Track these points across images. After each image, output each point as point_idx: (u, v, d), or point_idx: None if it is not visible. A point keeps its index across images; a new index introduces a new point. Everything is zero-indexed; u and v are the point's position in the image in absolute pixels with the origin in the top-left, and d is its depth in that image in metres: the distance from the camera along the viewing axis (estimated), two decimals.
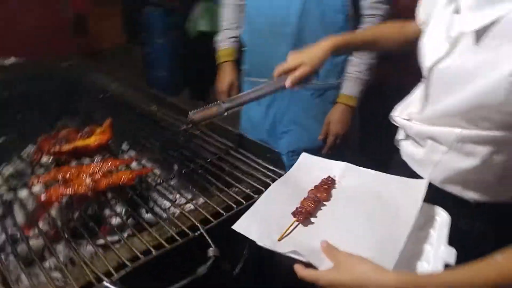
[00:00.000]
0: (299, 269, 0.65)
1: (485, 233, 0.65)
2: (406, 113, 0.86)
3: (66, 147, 0.98)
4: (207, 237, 0.75)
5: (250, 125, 1.49)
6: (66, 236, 0.79)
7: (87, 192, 0.85)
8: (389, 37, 0.99)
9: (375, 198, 0.79)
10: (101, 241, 0.80)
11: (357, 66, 1.31)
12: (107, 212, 0.88)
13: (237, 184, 0.90)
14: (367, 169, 0.86)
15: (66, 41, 3.37)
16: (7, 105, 1.24)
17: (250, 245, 0.76)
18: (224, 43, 1.53)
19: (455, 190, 0.78)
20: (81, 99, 1.35)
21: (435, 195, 0.77)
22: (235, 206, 0.83)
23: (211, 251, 0.72)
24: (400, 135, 0.91)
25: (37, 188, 0.91)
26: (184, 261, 0.73)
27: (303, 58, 0.91)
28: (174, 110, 1.22)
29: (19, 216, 0.86)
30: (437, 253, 0.69)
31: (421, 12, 0.90)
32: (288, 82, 0.91)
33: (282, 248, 0.69)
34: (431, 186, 0.77)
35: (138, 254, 0.71)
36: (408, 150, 0.87)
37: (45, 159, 1.00)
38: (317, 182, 0.84)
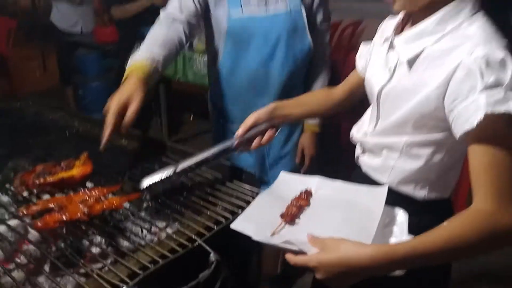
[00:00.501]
0: (291, 257, 0.78)
1: (431, 227, 0.81)
2: (362, 131, 1.03)
3: (51, 178, 1.02)
4: (206, 246, 0.83)
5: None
6: (49, 267, 0.81)
7: (82, 217, 0.89)
8: (321, 103, 1.18)
9: (347, 203, 0.93)
10: (82, 271, 0.81)
11: None
12: (85, 243, 0.90)
13: (213, 207, 0.98)
14: (338, 180, 1.01)
15: None
16: None
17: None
18: (141, 56, 1.22)
19: (408, 189, 0.95)
20: (38, 137, 1.35)
21: (393, 197, 0.93)
22: (223, 220, 0.92)
23: (213, 256, 0.81)
24: (358, 151, 1.07)
25: (14, 221, 0.93)
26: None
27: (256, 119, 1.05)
28: (146, 143, 1.30)
29: None
30: (401, 242, 0.83)
31: (360, 61, 1.10)
32: (254, 146, 1.04)
33: (275, 240, 0.83)
34: (389, 189, 0.93)
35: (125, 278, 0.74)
36: (367, 162, 1.03)
37: (25, 193, 1.03)
38: (297, 193, 0.97)
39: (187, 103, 4.29)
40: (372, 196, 0.92)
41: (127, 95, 1.08)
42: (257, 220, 0.89)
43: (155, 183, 0.98)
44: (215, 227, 0.90)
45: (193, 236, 0.86)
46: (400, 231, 0.87)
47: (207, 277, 0.79)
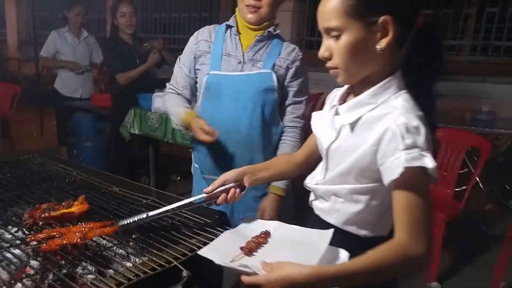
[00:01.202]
0: (244, 277, 0.97)
1: None
2: (314, 180, 1.24)
3: (54, 213, 1.22)
4: (179, 266, 1.03)
5: None
6: None
7: (77, 241, 1.08)
8: (285, 165, 1.38)
9: (298, 242, 1.14)
10: None
11: None
12: (79, 271, 1.03)
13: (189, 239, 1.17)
14: (292, 225, 1.23)
15: None
16: None
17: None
18: (185, 108, 1.72)
19: (352, 229, 1.14)
20: (40, 186, 1.55)
21: (341, 235, 1.13)
22: (196, 248, 1.12)
23: (185, 273, 1.00)
24: (311, 197, 1.27)
25: (17, 251, 1.11)
26: None
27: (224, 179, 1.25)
28: (135, 190, 1.51)
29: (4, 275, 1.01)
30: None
31: (314, 124, 1.29)
32: (220, 202, 1.24)
33: (233, 265, 1.02)
34: (336, 229, 1.13)
35: None
36: (318, 206, 1.22)
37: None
38: (257, 233, 1.18)
39: (174, 164, 4.54)
40: (319, 237, 1.11)
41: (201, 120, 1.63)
42: (221, 250, 1.09)
43: (129, 223, 1.18)
44: (189, 253, 1.10)
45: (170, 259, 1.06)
46: None
47: None
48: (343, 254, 1.08)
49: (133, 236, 1.20)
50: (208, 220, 1.31)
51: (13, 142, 4.16)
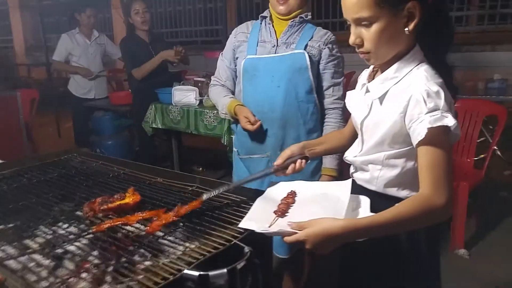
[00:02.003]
0: (287, 238, 1.07)
1: None
2: (352, 154, 1.32)
3: (112, 205, 1.30)
4: (239, 243, 1.10)
5: None
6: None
7: (173, 219, 1.20)
8: (336, 140, 1.51)
9: (322, 196, 1.25)
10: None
11: None
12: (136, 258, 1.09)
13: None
14: (314, 182, 1.34)
15: (20, 146, 3.64)
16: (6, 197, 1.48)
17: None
18: (229, 98, 1.89)
19: (392, 191, 1.22)
20: (88, 182, 1.60)
21: (382, 198, 1.22)
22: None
23: (246, 249, 1.07)
24: (352, 169, 1.35)
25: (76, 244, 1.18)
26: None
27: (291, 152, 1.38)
28: (178, 179, 1.59)
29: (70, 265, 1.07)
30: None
31: (348, 102, 1.40)
32: (289, 172, 1.36)
33: (272, 229, 1.12)
34: (378, 194, 1.22)
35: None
36: (359, 176, 1.31)
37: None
38: (284, 195, 1.28)
39: (195, 155, 4.64)
40: (340, 188, 1.23)
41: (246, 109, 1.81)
42: (257, 218, 1.18)
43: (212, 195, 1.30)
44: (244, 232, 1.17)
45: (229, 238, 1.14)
46: (364, 212, 1.16)
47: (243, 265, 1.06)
48: (364, 200, 1.19)
49: (181, 223, 1.25)
50: (243, 198, 1.40)
51: (36, 146, 4.26)
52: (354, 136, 1.44)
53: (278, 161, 1.37)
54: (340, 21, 5.68)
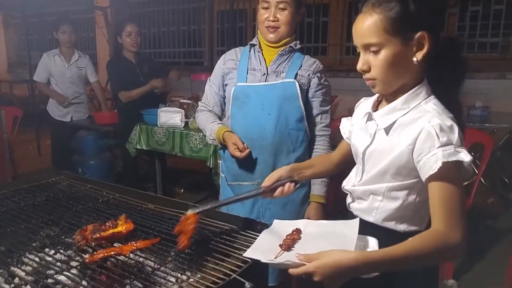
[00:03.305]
0: (293, 270, 1.04)
1: None
2: (350, 183, 1.31)
3: (105, 233, 1.25)
4: (240, 278, 1.07)
5: None
6: None
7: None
8: (325, 164, 1.49)
9: (329, 233, 1.22)
10: None
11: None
12: None
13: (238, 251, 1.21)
14: (320, 220, 1.32)
15: (4, 165, 3.53)
16: None
17: None
18: (217, 124, 1.89)
19: (391, 225, 1.21)
20: (77, 208, 1.54)
21: (380, 231, 1.20)
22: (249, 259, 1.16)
23: (248, 284, 1.04)
24: (348, 199, 1.34)
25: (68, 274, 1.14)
26: None
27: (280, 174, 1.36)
28: (169, 205, 1.54)
29: None
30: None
31: (344, 131, 1.41)
32: (277, 194, 1.34)
33: (279, 260, 1.09)
34: (375, 226, 1.21)
35: None
36: (356, 207, 1.29)
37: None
38: (290, 232, 1.25)
39: (177, 177, 4.59)
40: (348, 227, 1.20)
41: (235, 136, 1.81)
42: (262, 250, 1.16)
43: (203, 210, 1.27)
44: (244, 264, 1.14)
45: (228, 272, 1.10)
46: None
47: None
48: (372, 241, 1.16)
49: (172, 253, 1.22)
50: (234, 226, 1.37)
51: (15, 165, 4.14)
52: (342, 162, 1.45)
53: (266, 182, 1.35)
54: (322, 46, 5.75)
